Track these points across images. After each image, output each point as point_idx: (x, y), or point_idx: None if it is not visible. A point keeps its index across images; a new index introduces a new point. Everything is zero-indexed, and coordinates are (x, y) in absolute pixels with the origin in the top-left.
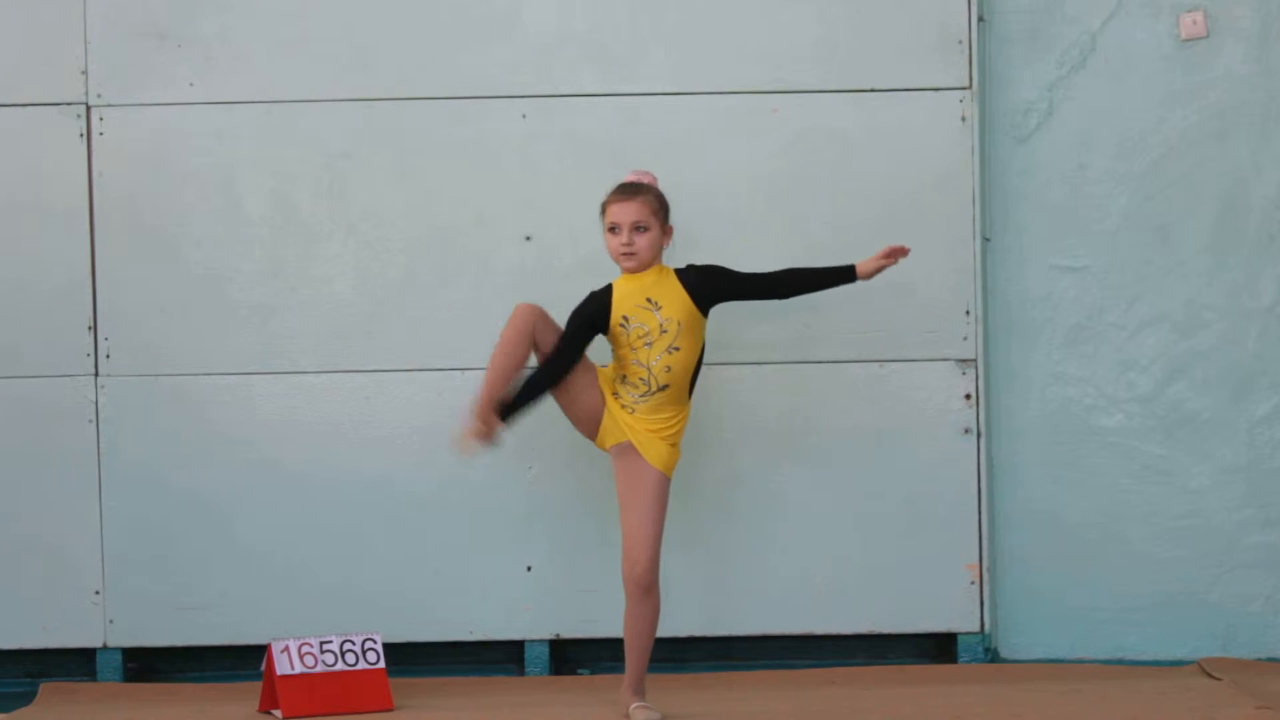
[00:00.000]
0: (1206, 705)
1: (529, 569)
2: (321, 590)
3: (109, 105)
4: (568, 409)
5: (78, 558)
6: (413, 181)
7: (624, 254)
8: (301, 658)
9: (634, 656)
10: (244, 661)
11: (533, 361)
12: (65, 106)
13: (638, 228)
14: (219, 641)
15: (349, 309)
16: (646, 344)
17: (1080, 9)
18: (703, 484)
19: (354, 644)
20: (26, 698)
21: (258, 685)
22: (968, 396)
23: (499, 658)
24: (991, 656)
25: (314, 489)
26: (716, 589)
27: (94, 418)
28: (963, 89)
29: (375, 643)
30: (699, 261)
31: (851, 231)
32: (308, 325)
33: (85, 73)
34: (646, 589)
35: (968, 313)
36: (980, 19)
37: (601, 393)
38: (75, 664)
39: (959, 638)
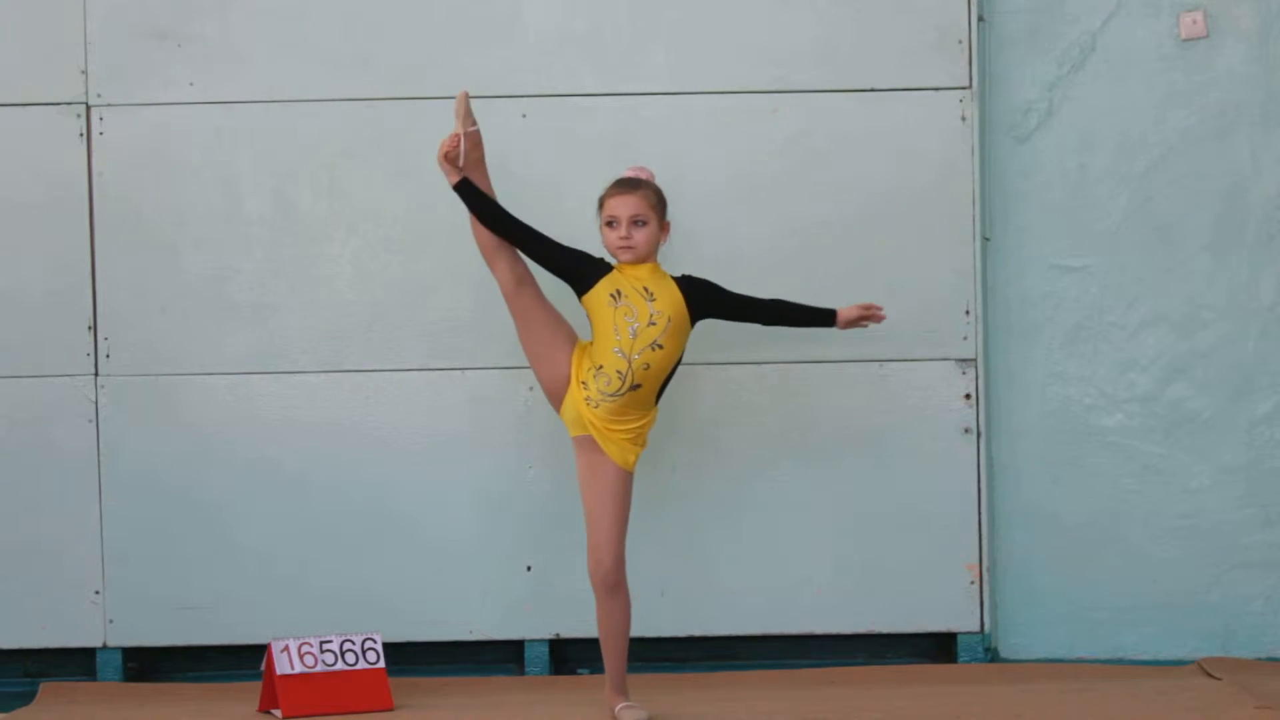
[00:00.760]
0: (1206, 705)
1: (529, 569)
2: (321, 590)
3: (109, 105)
4: (535, 363)
5: (78, 557)
6: (413, 181)
7: (621, 247)
8: (301, 657)
9: (611, 655)
10: (244, 661)
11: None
12: (65, 106)
13: (636, 221)
14: (219, 641)
15: (349, 309)
16: (632, 330)
17: (1080, 9)
18: (703, 483)
19: (354, 644)
20: (26, 697)
21: (258, 685)
22: (968, 396)
23: (499, 657)
24: (991, 656)
25: (314, 489)
26: (716, 588)
27: (94, 417)
28: (963, 89)
29: (375, 642)
30: (699, 260)
31: (852, 231)
32: (307, 325)
33: (85, 72)
34: (613, 587)
35: (968, 312)
36: (980, 19)
37: (570, 370)
38: (75, 664)
39: (959, 637)
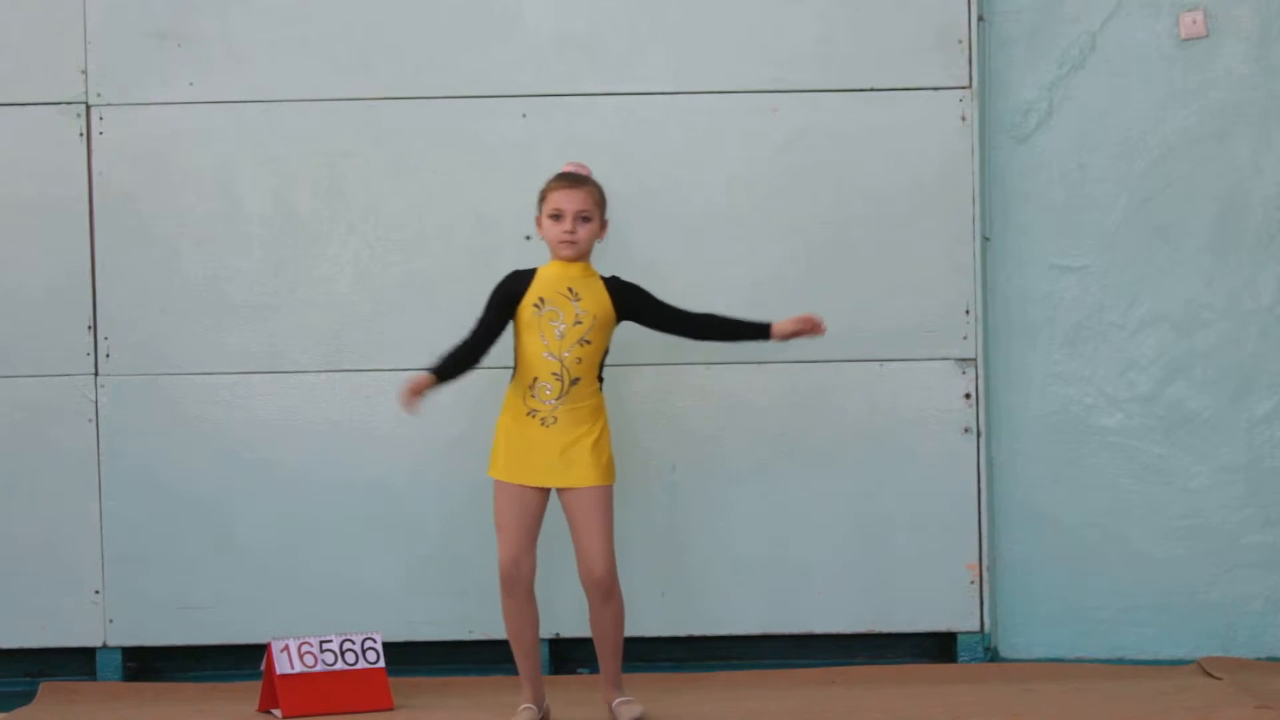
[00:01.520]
0: (1206, 705)
1: None
2: (321, 589)
3: (109, 105)
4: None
5: (77, 557)
6: (412, 181)
7: (565, 241)
8: (301, 657)
9: (607, 655)
10: (244, 661)
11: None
12: (65, 106)
13: (581, 217)
14: (219, 641)
15: (349, 309)
16: (558, 333)
17: (1080, 9)
18: (702, 483)
19: (354, 643)
20: (26, 697)
21: (257, 685)
22: (967, 396)
23: (499, 657)
24: (991, 656)
25: (314, 488)
26: (716, 588)
27: (94, 417)
28: (962, 89)
29: (375, 642)
30: (699, 260)
31: (851, 231)
32: (308, 325)
33: (85, 72)
34: (606, 593)
35: (967, 312)
36: (980, 19)
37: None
38: (75, 663)
39: (959, 637)
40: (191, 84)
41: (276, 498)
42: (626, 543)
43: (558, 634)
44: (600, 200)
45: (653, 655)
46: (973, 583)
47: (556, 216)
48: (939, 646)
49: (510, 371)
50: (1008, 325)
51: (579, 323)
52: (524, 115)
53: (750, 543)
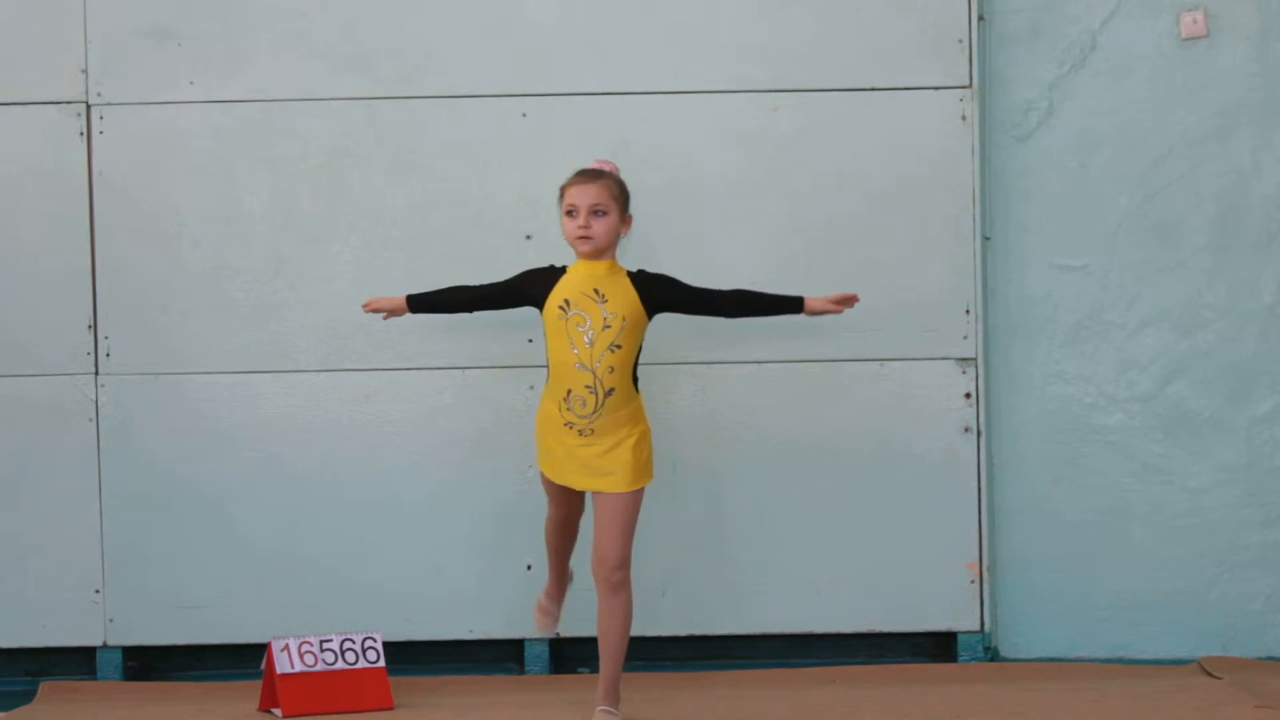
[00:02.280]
0: (1206, 704)
1: (529, 568)
2: (322, 589)
3: (109, 104)
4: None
5: (78, 556)
6: (413, 180)
7: (580, 237)
8: (301, 656)
9: (608, 657)
10: (244, 660)
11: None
12: (65, 105)
13: (596, 211)
14: (219, 640)
15: (349, 307)
16: (587, 340)
17: (1080, 8)
18: (702, 482)
19: (354, 643)
20: (27, 696)
21: (258, 684)
22: (968, 395)
23: (499, 657)
24: (991, 655)
25: (314, 487)
26: (716, 588)
27: (94, 416)
28: (963, 88)
29: (375, 641)
30: (699, 259)
31: (852, 230)
32: (308, 324)
33: (85, 71)
34: (617, 585)
35: (968, 311)
36: (980, 18)
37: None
38: (76, 662)
39: (959, 636)
40: (192, 83)
41: (277, 497)
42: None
43: (558, 633)
44: (619, 194)
45: (654, 654)
46: (973, 582)
47: (571, 212)
48: (939, 646)
49: (543, 370)
50: (1008, 325)
51: (608, 326)
52: (524, 114)
53: (751, 542)
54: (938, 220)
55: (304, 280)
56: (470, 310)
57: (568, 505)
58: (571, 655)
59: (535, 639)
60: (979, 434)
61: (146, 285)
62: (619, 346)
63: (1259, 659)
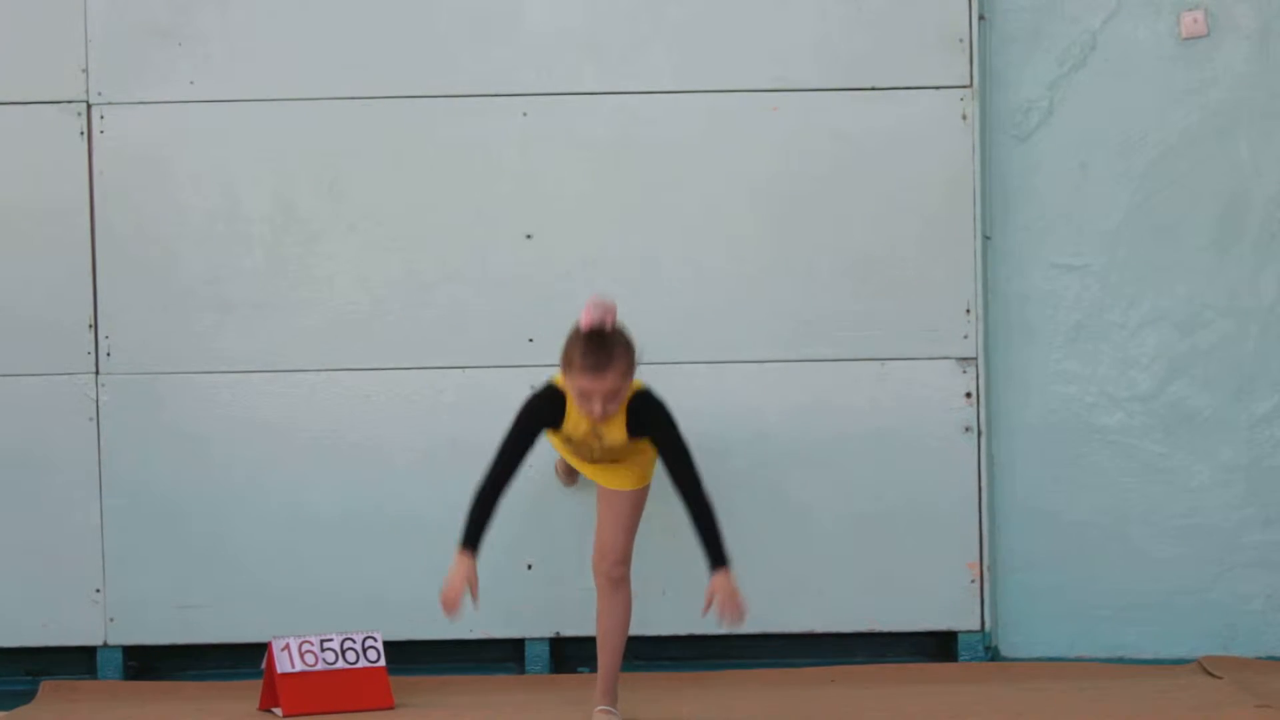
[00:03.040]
0: (1207, 704)
1: (529, 567)
2: (322, 588)
3: (109, 103)
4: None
5: (78, 555)
6: (413, 180)
7: (594, 418)
8: (302, 656)
9: (606, 655)
10: (244, 660)
11: None
12: (65, 104)
13: (610, 396)
14: (219, 640)
15: (349, 307)
16: (589, 456)
17: (1081, 8)
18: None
19: (354, 642)
20: (27, 696)
21: (258, 683)
22: (968, 395)
23: (499, 656)
24: (992, 655)
25: (314, 486)
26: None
27: (94, 415)
28: (963, 87)
29: (376, 641)
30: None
31: (852, 230)
32: (308, 324)
33: (85, 70)
34: (617, 582)
35: (968, 311)
36: (981, 17)
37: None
38: (76, 662)
39: (959, 636)
40: (192, 82)
41: (277, 496)
42: None
43: (558, 633)
44: (628, 368)
45: (654, 654)
46: (973, 581)
47: (583, 394)
48: (939, 645)
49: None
50: (1008, 324)
51: (607, 449)
52: (524, 114)
53: (751, 541)
54: (938, 220)
55: (304, 280)
56: (513, 479)
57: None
58: (572, 655)
59: (535, 638)
60: (979, 433)
61: (147, 285)
62: (617, 459)
63: (1259, 659)
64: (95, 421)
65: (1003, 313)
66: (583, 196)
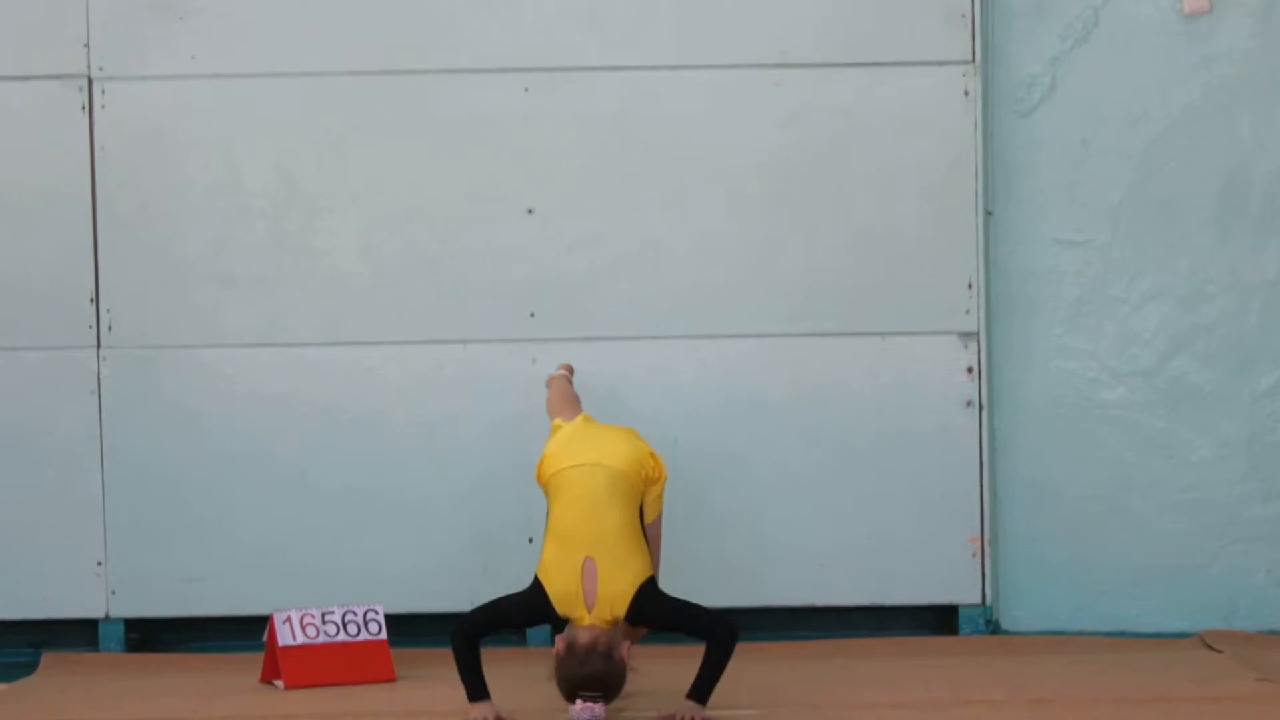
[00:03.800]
0: (1207, 677)
1: (530, 540)
2: (323, 561)
3: (111, 78)
4: None
5: (80, 529)
6: (415, 154)
7: None
8: (303, 628)
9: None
10: (246, 632)
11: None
12: (67, 79)
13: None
14: (221, 612)
15: (350, 281)
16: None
17: None
18: (704, 456)
19: (356, 615)
20: (29, 668)
21: (260, 656)
22: (970, 369)
23: None
24: (993, 628)
25: (316, 460)
26: (719, 562)
27: (95, 389)
28: (966, 63)
29: (377, 614)
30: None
31: (854, 204)
32: (309, 298)
33: (87, 45)
34: None
35: (970, 286)
36: None
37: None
38: (78, 634)
39: (960, 610)
40: (194, 57)
41: (278, 469)
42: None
43: None
44: (617, 692)
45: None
46: (974, 556)
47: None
48: (940, 619)
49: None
50: (1010, 299)
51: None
52: (526, 89)
53: (751, 516)
54: (940, 195)
55: (306, 254)
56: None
57: None
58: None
59: None
60: (981, 408)
61: (148, 259)
62: None
63: (1260, 633)
64: (96, 395)
65: (1004, 288)
66: (584, 171)
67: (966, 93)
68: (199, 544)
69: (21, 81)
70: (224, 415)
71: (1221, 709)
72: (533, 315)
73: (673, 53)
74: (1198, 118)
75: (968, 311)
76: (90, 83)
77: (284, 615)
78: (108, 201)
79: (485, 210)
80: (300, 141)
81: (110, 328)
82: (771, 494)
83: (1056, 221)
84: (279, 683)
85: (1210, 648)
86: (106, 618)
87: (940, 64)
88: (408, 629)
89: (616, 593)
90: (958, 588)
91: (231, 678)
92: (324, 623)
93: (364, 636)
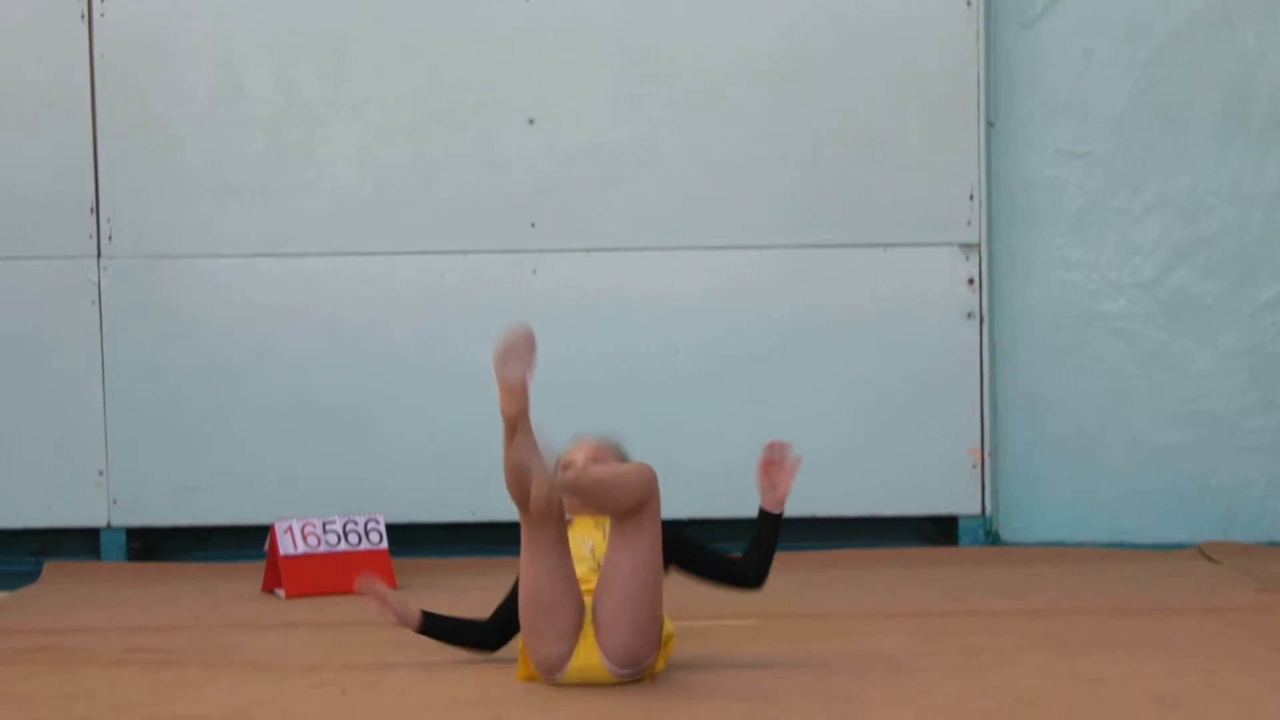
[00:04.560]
0: (1206, 588)
1: None
2: (324, 471)
3: None
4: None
5: (81, 438)
6: (416, 63)
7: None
8: (304, 538)
9: None
10: (247, 542)
11: None
12: None
13: (594, 460)
14: (222, 522)
15: (351, 192)
16: (587, 549)
17: None
18: (704, 366)
19: (356, 524)
20: (31, 576)
21: (261, 565)
22: (971, 281)
23: (501, 539)
24: (992, 539)
25: (317, 370)
26: (717, 471)
27: (96, 299)
28: None
29: (378, 523)
30: (700, 147)
31: (856, 116)
32: (310, 208)
33: None
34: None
35: (971, 198)
36: None
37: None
38: (80, 543)
39: (960, 521)
40: None
41: (279, 380)
42: (628, 426)
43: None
44: (617, 454)
45: None
46: (974, 467)
47: (566, 467)
48: (940, 530)
49: None
50: (1012, 211)
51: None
52: None
53: (751, 426)
54: (942, 106)
55: (306, 164)
56: (504, 641)
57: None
58: None
59: None
60: (981, 320)
61: (148, 169)
62: None
63: (1259, 544)
64: (97, 305)
65: (1006, 199)
66: (585, 81)
67: (969, 3)
68: (200, 454)
69: None
70: (224, 325)
71: (1221, 619)
72: (533, 226)
73: None
74: (1201, 28)
75: (969, 223)
76: None
77: (285, 525)
78: (107, 110)
79: (486, 120)
80: (301, 50)
81: (110, 237)
82: (769, 404)
83: (1058, 133)
84: (280, 592)
85: (1209, 559)
86: (108, 527)
87: None
88: (408, 539)
89: None
90: (957, 499)
91: (233, 586)
92: (325, 532)
93: (365, 546)
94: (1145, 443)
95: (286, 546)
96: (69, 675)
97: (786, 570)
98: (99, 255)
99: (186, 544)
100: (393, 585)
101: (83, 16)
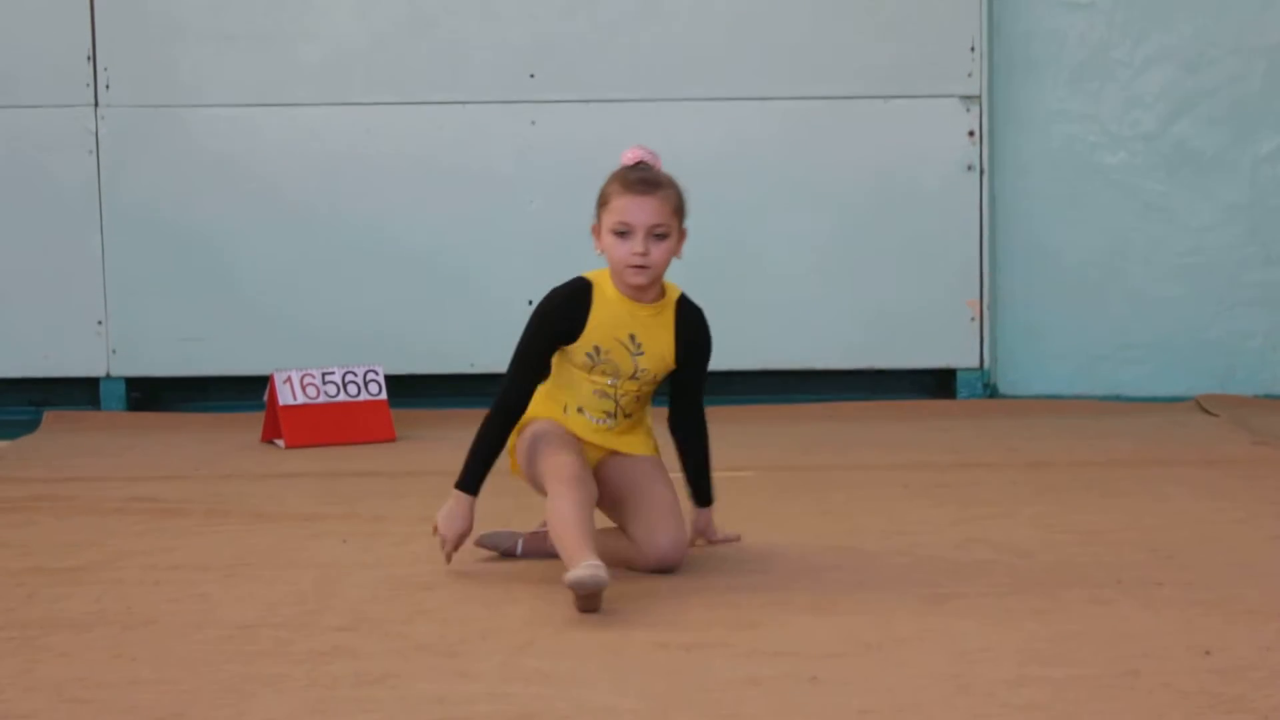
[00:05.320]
0: (1204, 440)
1: (530, 303)
2: (323, 322)
3: None
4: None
5: (80, 288)
6: None
7: (635, 267)
8: (304, 388)
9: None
10: (247, 392)
11: None
12: None
13: (656, 234)
14: (221, 372)
15: (350, 41)
16: (612, 382)
17: None
18: (704, 220)
19: (356, 375)
20: (30, 425)
21: (260, 415)
22: (971, 133)
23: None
24: (990, 392)
25: (314, 222)
26: (715, 323)
27: (94, 149)
28: None
29: (377, 374)
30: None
31: None
32: (308, 57)
33: None
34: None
35: (972, 49)
36: None
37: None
38: (79, 393)
39: (958, 373)
40: None
41: (278, 230)
42: None
43: None
44: (679, 206)
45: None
46: (973, 319)
47: (624, 233)
48: (938, 383)
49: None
50: (1012, 62)
51: (635, 378)
52: None
53: (750, 279)
54: None
55: (305, 11)
56: (527, 404)
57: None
58: None
59: None
60: (981, 172)
61: (146, 16)
62: (647, 388)
63: (1256, 397)
64: (95, 154)
65: (1007, 50)
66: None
67: None
68: (199, 304)
69: None
70: (223, 176)
71: (1218, 472)
72: (532, 76)
73: None
74: None
75: (970, 74)
76: None
77: (284, 375)
78: None
79: None
80: None
81: (108, 86)
82: (766, 255)
83: None
84: (279, 442)
85: (1207, 412)
86: (108, 376)
87: None
88: (408, 389)
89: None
90: (956, 351)
91: (232, 436)
92: (324, 383)
93: (364, 397)
94: (1144, 295)
95: (286, 397)
96: (68, 524)
97: (783, 423)
98: (96, 104)
99: (186, 394)
100: (391, 436)
101: None
